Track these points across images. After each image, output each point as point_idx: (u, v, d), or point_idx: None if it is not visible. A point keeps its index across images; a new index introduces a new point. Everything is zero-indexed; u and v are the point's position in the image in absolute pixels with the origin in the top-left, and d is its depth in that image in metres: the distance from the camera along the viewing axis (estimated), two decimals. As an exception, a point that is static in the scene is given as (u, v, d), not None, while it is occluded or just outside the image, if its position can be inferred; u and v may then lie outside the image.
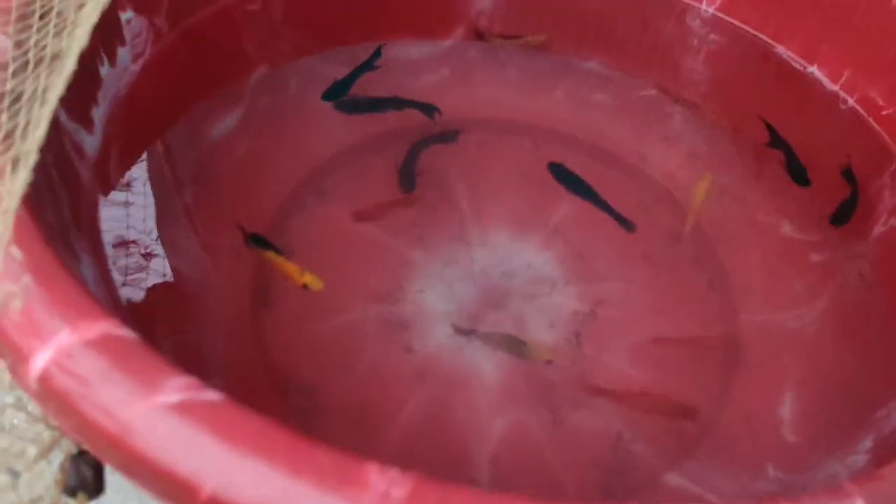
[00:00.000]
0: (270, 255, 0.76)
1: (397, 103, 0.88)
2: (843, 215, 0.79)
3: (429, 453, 0.68)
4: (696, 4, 0.90)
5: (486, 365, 0.73)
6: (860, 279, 0.75)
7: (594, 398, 0.71)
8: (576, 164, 0.86)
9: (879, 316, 0.72)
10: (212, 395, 0.41)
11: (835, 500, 0.38)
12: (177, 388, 0.41)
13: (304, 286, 0.74)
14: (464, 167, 0.87)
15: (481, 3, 0.94)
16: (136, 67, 0.74)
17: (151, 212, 0.76)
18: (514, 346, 0.74)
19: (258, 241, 0.77)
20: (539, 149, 0.88)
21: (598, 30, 0.95)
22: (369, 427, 0.69)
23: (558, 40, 0.95)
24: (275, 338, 0.73)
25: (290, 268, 0.75)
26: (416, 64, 0.93)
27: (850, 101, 0.82)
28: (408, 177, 0.85)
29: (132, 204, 0.75)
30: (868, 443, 0.61)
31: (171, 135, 0.80)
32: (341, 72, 0.90)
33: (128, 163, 0.76)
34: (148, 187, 0.77)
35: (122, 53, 0.73)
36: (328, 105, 0.88)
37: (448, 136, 0.88)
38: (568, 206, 0.85)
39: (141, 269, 0.73)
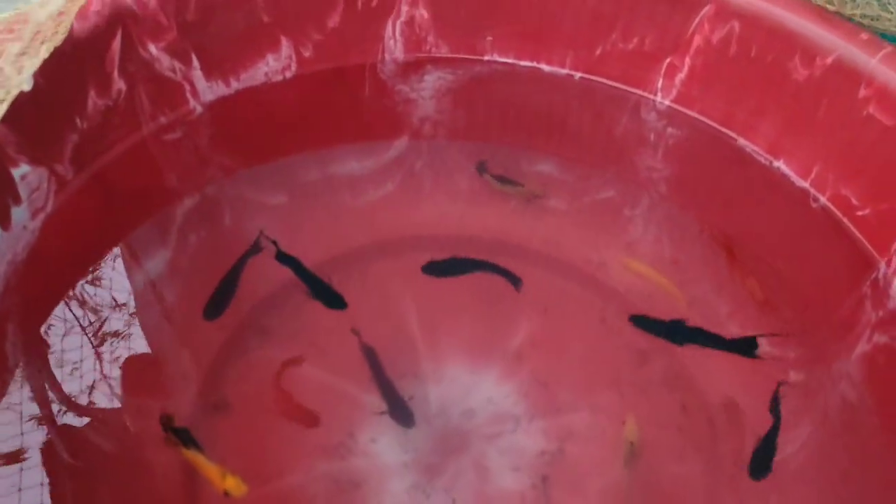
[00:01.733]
0: (190, 454, 0.69)
1: None
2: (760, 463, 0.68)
3: None
4: (651, 97, 0.85)
5: (448, 525, 0.66)
6: (843, 403, 0.69)
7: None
8: (531, 279, 0.81)
9: (864, 445, 0.65)
10: None
11: None
12: None
13: (225, 493, 0.66)
14: (414, 290, 0.81)
15: (424, 109, 0.89)
16: (37, 224, 0.68)
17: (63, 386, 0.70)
18: None
19: (179, 434, 0.69)
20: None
21: (549, 125, 0.89)
22: None
23: (508, 136, 0.90)
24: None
25: (211, 471, 0.67)
26: (359, 179, 0.87)
27: (822, 199, 0.77)
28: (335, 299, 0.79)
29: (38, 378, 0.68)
30: None
31: (84, 290, 0.74)
32: (277, 197, 0.84)
33: (30, 337, 0.70)
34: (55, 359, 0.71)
35: (18, 213, 0.66)
36: (268, 231, 0.82)
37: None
38: (528, 327, 0.78)
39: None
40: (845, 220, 0.75)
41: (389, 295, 0.80)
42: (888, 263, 0.71)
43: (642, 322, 0.77)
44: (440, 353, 0.77)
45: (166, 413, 0.70)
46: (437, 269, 0.80)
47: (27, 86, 0.58)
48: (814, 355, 0.73)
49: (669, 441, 0.70)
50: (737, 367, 0.74)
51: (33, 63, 0.60)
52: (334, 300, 0.79)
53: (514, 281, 0.80)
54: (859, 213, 0.74)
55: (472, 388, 0.75)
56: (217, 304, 0.76)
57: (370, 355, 0.75)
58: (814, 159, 0.76)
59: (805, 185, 0.78)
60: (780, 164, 0.79)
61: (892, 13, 0.72)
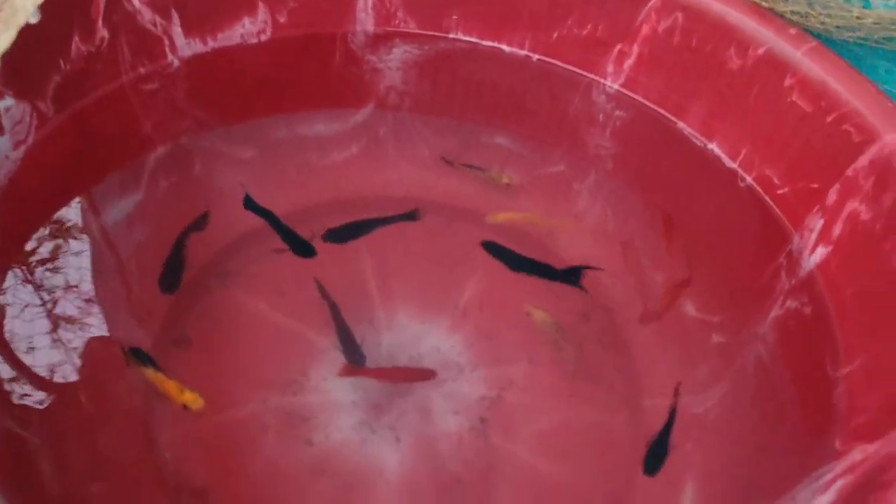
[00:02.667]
0: (149, 372, 0.73)
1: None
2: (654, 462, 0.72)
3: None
4: (601, 80, 0.91)
5: (390, 459, 0.71)
6: (757, 362, 0.75)
7: (501, 495, 0.70)
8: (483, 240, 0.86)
9: (774, 402, 0.72)
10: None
11: None
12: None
13: (184, 406, 0.71)
14: (373, 247, 0.86)
15: (391, 80, 0.94)
16: (18, 155, 0.72)
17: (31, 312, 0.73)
18: None
19: (138, 356, 0.74)
20: (449, 228, 0.87)
21: (508, 102, 0.95)
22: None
23: (470, 111, 0.95)
24: (168, 435, 0.70)
25: (169, 386, 0.72)
26: (326, 140, 0.92)
27: (748, 178, 0.83)
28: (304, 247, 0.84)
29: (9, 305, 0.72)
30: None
31: (59, 224, 0.77)
32: (247, 152, 0.89)
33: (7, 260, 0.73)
34: (33, 282, 0.75)
35: (1, 142, 0.70)
36: (236, 184, 0.87)
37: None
38: (478, 286, 0.84)
39: (22, 367, 0.70)
40: (767, 197, 0.81)
41: (348, 248, 0.85)
42: (801, 236, 0.77)
43: (491, 248, 0.86)
44: (393, 304, 0.82)
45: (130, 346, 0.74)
46: (335, 236, 0.86)
47: (34, 18, 0.61)
48: (735, 320, 0.79)
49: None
50: (666, 324, 0.81)
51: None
52: (304, 248, 0.83)
53: (411, 217, 0.87)
54: (779, 191, 0.80)
55: (421, 337, 0.80)
56: (170, 279, 0.80)
57: (328, 300, 0.80)
58: (743, 142, 0.83)
59: (734, 165, 0.85)
60: (713, 146, 0.86)
61: (818, 12, 0.79)
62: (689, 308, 0.81)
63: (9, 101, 0.70)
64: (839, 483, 0.56)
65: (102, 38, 0.78)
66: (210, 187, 0.86)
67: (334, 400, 0.74)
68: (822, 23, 0.82)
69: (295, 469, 0.70)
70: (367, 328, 0.79)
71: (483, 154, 0.93)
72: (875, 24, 0.82)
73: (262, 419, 0.73)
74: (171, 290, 0.79)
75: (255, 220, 0.85)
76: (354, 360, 0.77)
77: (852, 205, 0.73)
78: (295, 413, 0.73)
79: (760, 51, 0.79)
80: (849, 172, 0.73)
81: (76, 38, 0.76)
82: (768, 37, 0.79)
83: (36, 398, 0.69)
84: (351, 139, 0.92)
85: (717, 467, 0.70)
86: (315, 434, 0.72)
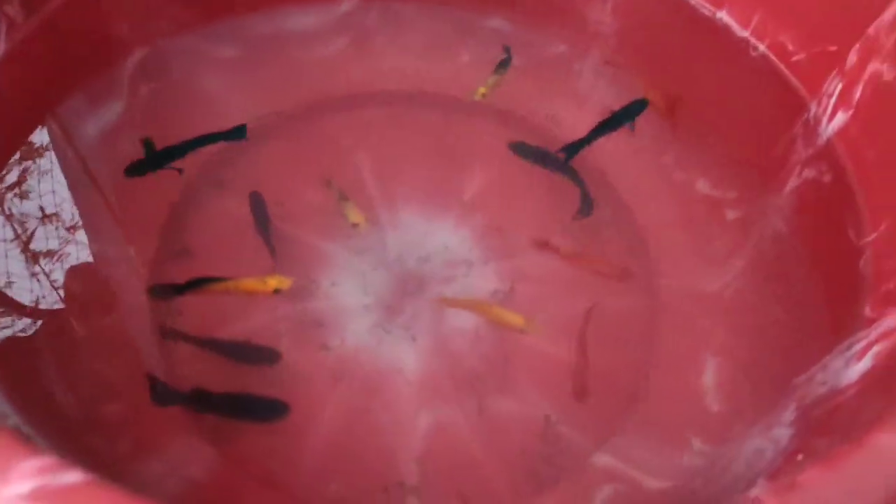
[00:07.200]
0: (214, 287, 0.71)
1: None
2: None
3: (353, 458, 0.65)
4: (600, -50, 0.85)
5: (408, 358, 0.70)
6: (775, 235, 0.74)
7: (520, 383, 0.69)
8: (484, 133, 0.83)
9: (796, 274, 0.71)
10: (71, 478, 0.37)
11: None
12: (28, 473, 0.37)
13: (276, 291, 0.71)
14: (370, 145, 0.82)
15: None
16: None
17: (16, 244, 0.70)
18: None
19: (162, 291, 0.71)
20: (447, 119, 0.84)
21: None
22: (289, 434, 0.66)
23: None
24: (182, 352, 0.69)
25: (248, 284, 0.71)
26: (312, 35, 0.86)
27: (761, 47, 0.79)
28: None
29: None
30: (790, 414, 0.60)
31: (40, 137, 0.73)
32: (228, 51, 0.83)
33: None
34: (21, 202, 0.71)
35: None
36: (220, 84, 0.82)
37: None
38: (482, 177, 0.81)
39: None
40: (781, 65, 0.78)
41: (342, 148, 0.81)
42: (818, 104, 0.74)
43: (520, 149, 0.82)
44: (396, 202, 0.79)
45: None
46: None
47: None
48: (750, 194, 0.77)
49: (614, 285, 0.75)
50: (679, 204, 0.79)
51: None
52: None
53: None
54: (794, 58, 0.76)
55: (427, 235, 0.77)
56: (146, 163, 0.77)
57: (258, 214, 0.77)
58: (754, 8, 0.78)
59: (745, 34, 0.80)
60: (722, 15, 0.81)
61: None
62: (703, 185, 0.79)
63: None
64: (875, 349, 0.56)
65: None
66: (191, 89, 0.81)
67: (346, 304, 0.73)
68: None
69: (313, 373, 0.69)
70: (371, 229, 0.77)
71: (479, 39, 0.88)
72: None
73: (275, 328, 0.71)
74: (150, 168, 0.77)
75: (244, 123, 0.81)
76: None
77: (874, 66, 0.69)
78: (307, 320, 0.72)
79: None
80: (870, 31, 0.69)
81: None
82: None
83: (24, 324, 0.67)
84: (338, 32, 0.87)
85: (740, 343, 0.70)
86: (330, 339, 0.71)
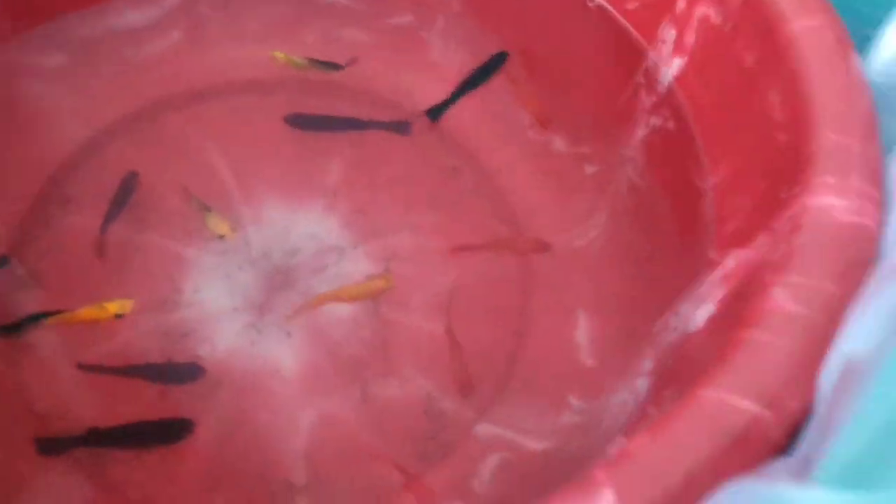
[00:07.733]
0: (50, 321, 0.67)
1: None
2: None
3: (237, 466, 0.64)
4: None
5: (284, 356, 0.69)
6: (631, 186, 0.75)
7: (401, 364, 0.69)
8: (338, 113, 0.81)
9: (653, 224, 0.73)
10: None
11: (583, 493, 0.37)
12: None
13: (117, 316, 0.67)
14: (220, 142, 0.79)
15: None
16: None
17: None
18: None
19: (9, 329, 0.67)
20: (297, 104, 0.81)
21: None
22: (169, 452, 0.64)
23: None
24: (37, 386, 0.66)
25: (86, 313, 0.67)
26: (142, 31, 0.82)
27: (597, -3, 0.80)
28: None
29: None
30: (649, 363, 0.62)
31: None
32: (55, 58, 0.78)
33: None
34: None
35: None
36: (50, 96, 0.77)
37: None
38: (342, 161, 0.79)
39: None
40: (618, 14, 0.78)
41: (192, 147, 0.78)
42: (655, 50, 0.76)
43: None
44: (256, 197, 0.76)
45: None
46: None
47: None
48: (603, 147, 0.78)
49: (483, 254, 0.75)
50: (539, 163, 0.79)
51: None
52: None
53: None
54: (629, 5, 0.77)
55: (292, 227, 0.75)
56: None
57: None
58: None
59: (582, -15, 0.81)
60: (559, -32, 0.82)
61: None
62: (560, 144, 0.80)
63: None
64: (718, 292, 0.58)
65: None
66: (20, 106, 0.75)
67: (212, 310, 0.70)
68: None
69: (188, 387, 0.67)
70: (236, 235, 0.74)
71: (323, 19, 0.85)
72: None
73: (141, 345, 0.68)
74: None
75: (83, 135, 0.76)
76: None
77: (701, 9, 0.70)
78: (173, 332, 0.69)
79: None
80: (694, -25, 0.70)
81: None
82: None
83: None
84: (169, 25, 0.82)
85: (607, 294, 0.71)
86: (200, 348, 0.68)
